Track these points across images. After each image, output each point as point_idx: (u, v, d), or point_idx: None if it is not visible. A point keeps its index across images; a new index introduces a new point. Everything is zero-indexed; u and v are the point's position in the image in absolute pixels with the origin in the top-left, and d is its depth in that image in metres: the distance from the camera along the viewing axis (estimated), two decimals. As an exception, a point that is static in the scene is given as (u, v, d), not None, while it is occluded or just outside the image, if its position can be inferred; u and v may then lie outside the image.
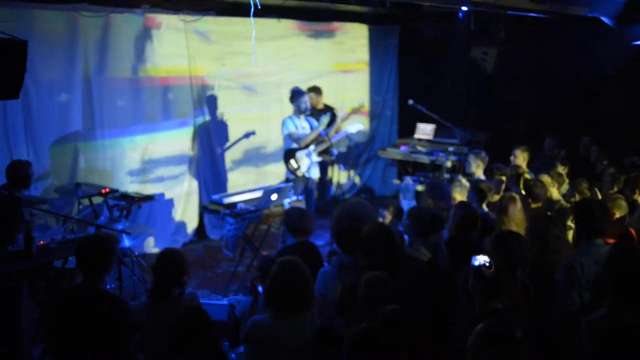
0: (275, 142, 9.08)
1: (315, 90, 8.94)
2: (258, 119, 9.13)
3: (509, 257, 3.75)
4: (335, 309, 4.13)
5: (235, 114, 8.85)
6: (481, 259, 3.38)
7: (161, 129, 8.06)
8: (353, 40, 10.42)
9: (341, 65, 10.31)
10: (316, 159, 7.61)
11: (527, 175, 6.44)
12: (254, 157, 9.20)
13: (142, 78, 7.76)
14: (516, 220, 5.18)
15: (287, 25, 9.26)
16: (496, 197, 6.02)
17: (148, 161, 7.93)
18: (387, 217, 6.58)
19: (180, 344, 3.18)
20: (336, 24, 10.02)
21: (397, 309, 3.41)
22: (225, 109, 8.70)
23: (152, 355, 3.81)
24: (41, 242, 5.13)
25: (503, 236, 4.12)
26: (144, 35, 7.65)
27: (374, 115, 10.92)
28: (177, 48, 8.04)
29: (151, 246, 7.86)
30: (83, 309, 3.66)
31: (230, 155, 8.88)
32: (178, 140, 8.26)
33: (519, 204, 5.30)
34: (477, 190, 5.77)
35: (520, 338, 3.23)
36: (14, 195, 5.63)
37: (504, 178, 6.76)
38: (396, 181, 9.62)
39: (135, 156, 7.81)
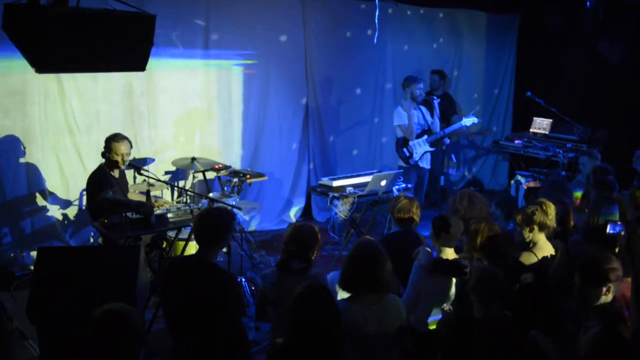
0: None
1: (440, 73, 9.00)
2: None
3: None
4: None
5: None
6: (617, 227, 3.10)
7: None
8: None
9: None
10: (429, 148, 7.44)
11: None
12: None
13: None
14: None
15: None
16: None
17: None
18: None
19: (302, 311, 3.06)
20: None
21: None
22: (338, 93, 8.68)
23: (281, 323, 3.82)
24: (158, 211, 5.32)
25: None
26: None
27: (488, 107, 10.59)
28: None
29: (258, 223, 8.01)
30: (194, 280, 3.68)
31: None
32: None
33: None
34: None
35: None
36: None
37: None
38: None
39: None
